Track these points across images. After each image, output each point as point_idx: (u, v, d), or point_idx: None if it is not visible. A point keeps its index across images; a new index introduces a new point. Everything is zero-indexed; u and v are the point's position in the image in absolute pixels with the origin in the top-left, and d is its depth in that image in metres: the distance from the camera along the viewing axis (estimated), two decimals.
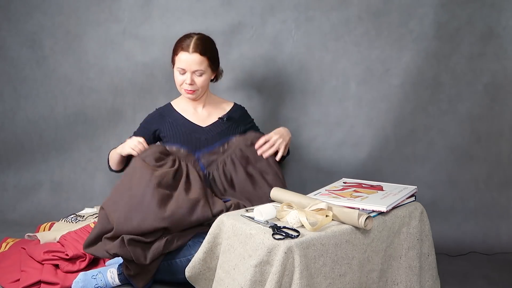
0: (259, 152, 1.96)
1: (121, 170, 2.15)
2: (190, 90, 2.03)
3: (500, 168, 2.45)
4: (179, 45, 2.01)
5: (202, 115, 2.12)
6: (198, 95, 2.08)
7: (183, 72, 2.00)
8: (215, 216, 1.72)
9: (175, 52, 2.03)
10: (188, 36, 2.02)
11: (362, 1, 2.45)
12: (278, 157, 1.98)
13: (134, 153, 1.94)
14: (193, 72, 2.00)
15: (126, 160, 2.05)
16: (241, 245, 1.45)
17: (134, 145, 1.96)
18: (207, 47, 2.02)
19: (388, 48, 2.46)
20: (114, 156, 2.09)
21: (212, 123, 2.11)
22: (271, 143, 1.97)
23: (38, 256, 1.87)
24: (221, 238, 1.56)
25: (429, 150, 2.48)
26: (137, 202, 1.69)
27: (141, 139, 1.97)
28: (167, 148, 1.97)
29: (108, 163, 2.18)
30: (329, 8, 2.48)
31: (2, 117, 2.80)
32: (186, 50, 1.98)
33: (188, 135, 2.06)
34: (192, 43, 1.99)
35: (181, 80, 2.02)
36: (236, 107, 2.19)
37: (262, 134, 2.20)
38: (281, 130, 2.06)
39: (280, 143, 1.98)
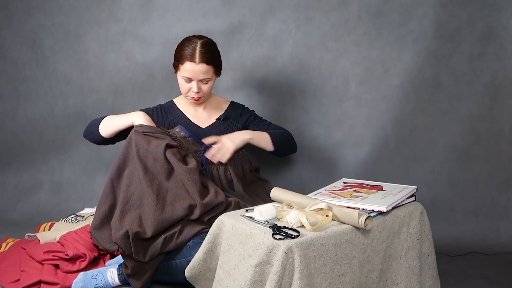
0: (207, 155, 1.95)
1: (111, 141, 2.07)
2: (196, 98, 2.02)
3: (500, 168, 2.45)
4: (183, 54, 1.95)
5: (202, 116, 2.12)
6: (203, 101, 2.09)
7: (189, 80, 1.98)
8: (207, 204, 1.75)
9: (179, 61, 1.97)
10: (191, 42, 1.96)
11: (362, 1, 2.45)
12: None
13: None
14: (199, 81, 1.98)
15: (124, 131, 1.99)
16: (241, 245, 1.45)
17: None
18: (212, 55, 1.97)
19: (388, 48, 2.46)
20: (116, 123, 1.97)
21: (211, 124, 2.10)
22: (217, 147, 1.94)
23: (38, 256, 1.87)
24: (221, 238, 1.56)
25: (429, 150, 2.48)
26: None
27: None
28: (175, 132, 1.96)
29: (95, 130, 2.02)
30: (329, 8, 2.48)
31: (2, 117, 2.80)
32: (192, 60, 1.92)
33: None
34: (198, 52, 1.93)
35: (187, 88, 2.00)
36: (233, 105, 2.18)
37: (265, 122, 2.18)
38: (234, 135, 1.99)
39: (223, 152, 1.93)
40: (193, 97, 2.01)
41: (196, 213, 1.74)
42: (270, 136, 2.05)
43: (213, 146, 1.96)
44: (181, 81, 2.01)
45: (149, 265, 1.73)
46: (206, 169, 1.97)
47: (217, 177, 1.97)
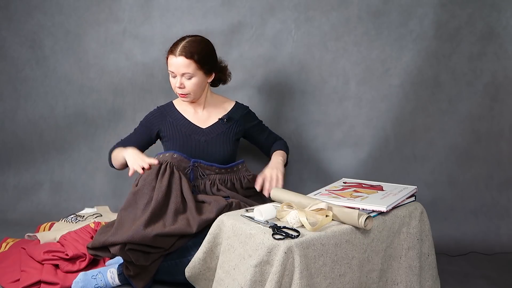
0: (265, 193, 1.93)
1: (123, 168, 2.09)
2: (182, 94, 2.02)
3: (500, 168, 2.45)
4: (169, 49, 2.00)
5: (202, 117, 2.11)
6: (192, 99, 2.05)
7: (174, 75, 2.00)
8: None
9: (167, 56, 2.01)
10: (181, 39, 1.99)
11: (362, 1, 2.45)
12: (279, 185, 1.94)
13: (140, 171, 1.84)
14: (182, 75, 1.98)
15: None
16: (241, 245, 1.45)
17: (138, 165, 1.85)
18: (194, 50, 1.94)
19: (388, 48, 2.46)
20: (119, 158, 2.02)
21: (212, 124, 2.09)
22: (269, 179, 1.94)
23: (38, 256, 1.87)
24: (221, 238, 1.56)
25: (429, 150, 2.48)
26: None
27: (149, 162, 1.85)
28: (161, 157, 1.92)
29: (110, 161, 2.11)
30: (329, 8, 2.48)
31: (2, 117, 2.80)
32: (173, 53, 1.96)
33: (188, 136, 2.05)
34: (180, 46, 1.95)
35: (173, 83, 2.02)
36: (237, 106, 2.17)
37: (266, 129, 2.19)
38: (271, 164, 2.02)
39: (276, 174, 1.94)
40: (179, 93, 2.01)
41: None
42: (286, 154, 2.16)
43: (258, 182, 1.95)
44: (170, 77, 2.03)
45: (150, 266, 1.73)
46: (195, 186, 1.95)
47: (203, 193, 1.95)
